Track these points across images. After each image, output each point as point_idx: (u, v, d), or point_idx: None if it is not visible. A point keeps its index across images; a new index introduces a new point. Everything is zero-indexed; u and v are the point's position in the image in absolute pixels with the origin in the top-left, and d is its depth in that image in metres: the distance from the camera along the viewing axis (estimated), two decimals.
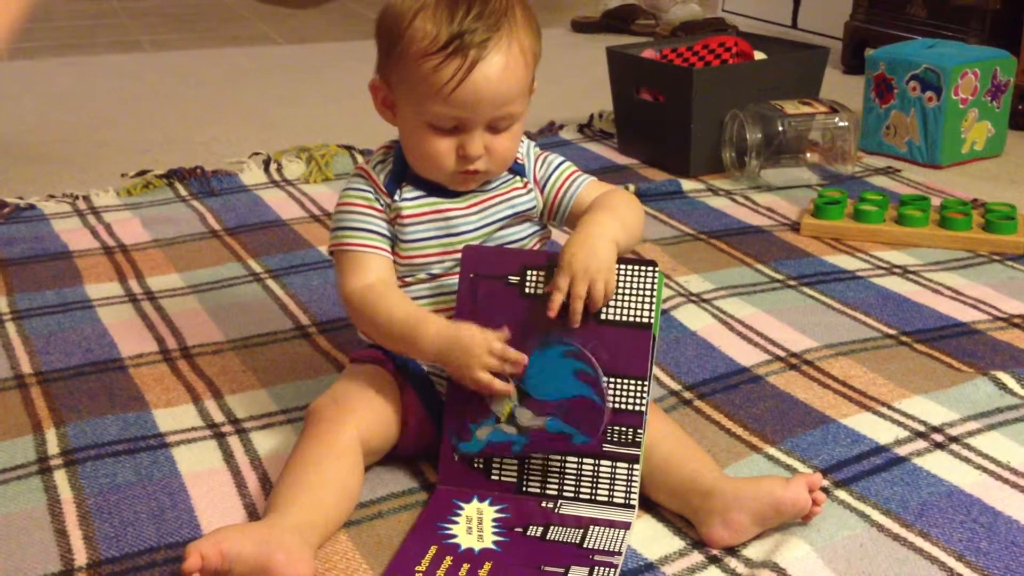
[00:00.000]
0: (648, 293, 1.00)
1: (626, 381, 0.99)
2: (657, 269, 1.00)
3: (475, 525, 0.94)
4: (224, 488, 1.02)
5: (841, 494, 1.01)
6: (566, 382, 0.99)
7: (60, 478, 1.03)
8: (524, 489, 0.99)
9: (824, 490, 1.00)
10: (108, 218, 1.76)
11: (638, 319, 0.99)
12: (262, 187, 1.91)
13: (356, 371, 1.07)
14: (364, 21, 1.00)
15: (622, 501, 0.97)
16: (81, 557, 0.93)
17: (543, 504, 0.97)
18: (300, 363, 1.27)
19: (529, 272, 1.02)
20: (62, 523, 0.97)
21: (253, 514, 0.99)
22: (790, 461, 1.06)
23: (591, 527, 0.94)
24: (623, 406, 0.98)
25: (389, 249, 1.06)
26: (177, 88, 2.73)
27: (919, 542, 0.94)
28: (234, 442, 1.10)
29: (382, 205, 1.06)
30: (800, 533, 0.94)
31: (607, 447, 0.98)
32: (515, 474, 0.99)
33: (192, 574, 0.82)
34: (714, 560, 0.92)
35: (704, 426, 1.13)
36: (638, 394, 0.98)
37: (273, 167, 1.98)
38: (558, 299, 0.98)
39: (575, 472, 0.98)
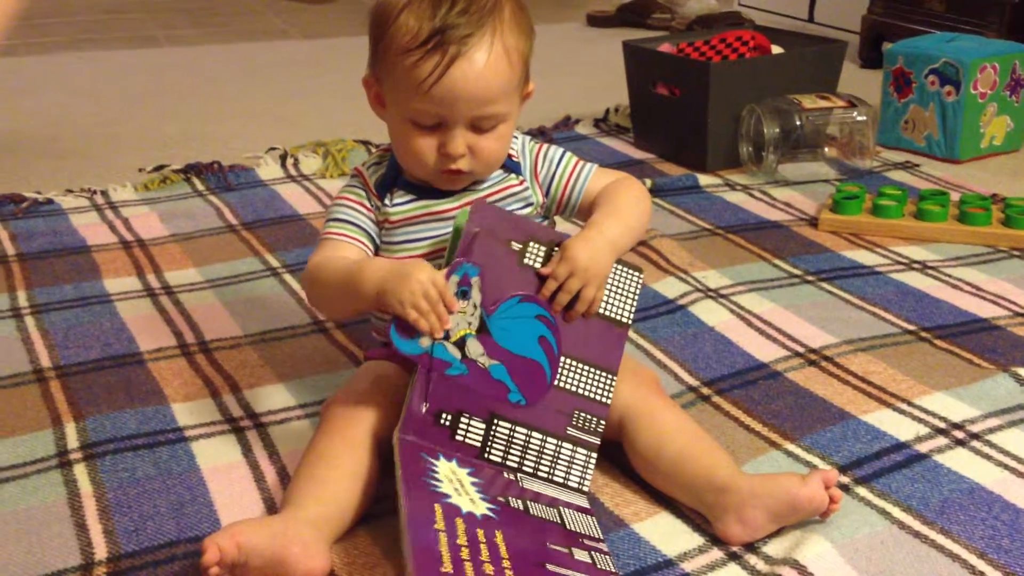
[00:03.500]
0: (631, 295, 1.04)
1: (597, 372, 1.01)
2: (642, 275, 1.05)
3: (460, 487, 0.91)
4: (243, 482, 1.03)
5: (861, 491, 1.00)
6: (528, 342, 1.00)
7: (80, 472, 1.04)
8: (486, 455, 0.97)
9: (844, 487, 1.00)
10: (126, 213, 1.76)
11: (619, 316, 1.03)
12: (279, 182, 1.91)
13: (371, 367, 1.07)
14: None
15: (576, 486, 0.98)
16: (101, 551, 0.93)
17: (505, 475, 0.96)
18: (317, 357, 1.27)
19: (532, 244, 1.02)
20: (82, 517, 0.97)
21: (272, 508, 0.99)
22: (810, 458, 1.06)
23: (564, 509, 0.94)
24: (592, 395, 1.01)
25: (366, 243, 1.07)
26: (193, 83, 2.73)
27: (940, 539, 0.93)
28: (252, 436, 1.10)
29: (372, 206, 1.08)
30: (820, 530, 0.93)
31: (571, 431, 0.99)
32: (479, 439, 0.96)
33: (210, 567, 0.82)
34: (734, 557, 0.92)
35: (723, 422, 1.13)
36: (606, 387, 1.01)
37: (290, 162, 1.99)
38: (552, 287, 1.01)
39: (538, 449, 0.98)
